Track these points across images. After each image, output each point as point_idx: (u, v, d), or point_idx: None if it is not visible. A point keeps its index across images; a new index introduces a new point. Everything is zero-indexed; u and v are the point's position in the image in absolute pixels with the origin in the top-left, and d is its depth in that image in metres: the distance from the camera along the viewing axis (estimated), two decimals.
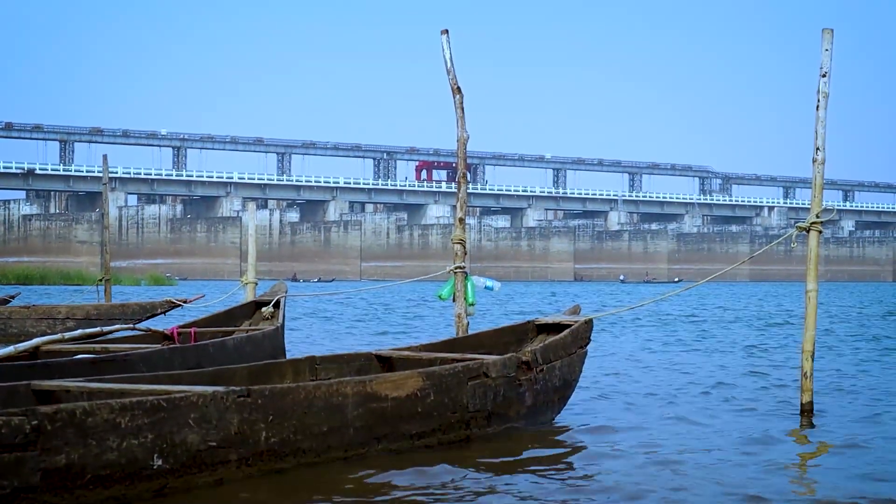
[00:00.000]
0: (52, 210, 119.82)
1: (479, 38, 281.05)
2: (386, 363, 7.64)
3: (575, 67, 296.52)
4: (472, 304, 10.29)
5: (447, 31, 10.27)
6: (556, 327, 8.22)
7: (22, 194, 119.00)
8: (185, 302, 13.92)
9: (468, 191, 10.51)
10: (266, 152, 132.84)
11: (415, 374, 6.33)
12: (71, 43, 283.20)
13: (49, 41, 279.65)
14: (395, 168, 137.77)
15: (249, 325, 11.43)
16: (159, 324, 12.78)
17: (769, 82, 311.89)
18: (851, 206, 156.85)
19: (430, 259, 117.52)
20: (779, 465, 6.35)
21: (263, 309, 11.52)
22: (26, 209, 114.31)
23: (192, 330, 10.07)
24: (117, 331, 10.01)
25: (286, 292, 11.93)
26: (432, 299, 33.88)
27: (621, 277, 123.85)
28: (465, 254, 10.28)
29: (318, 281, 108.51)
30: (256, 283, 13.92)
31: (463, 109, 10.34)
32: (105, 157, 20.26)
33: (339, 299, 37.39)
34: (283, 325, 10.92)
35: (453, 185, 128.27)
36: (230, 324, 11.39)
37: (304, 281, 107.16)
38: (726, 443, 7.09)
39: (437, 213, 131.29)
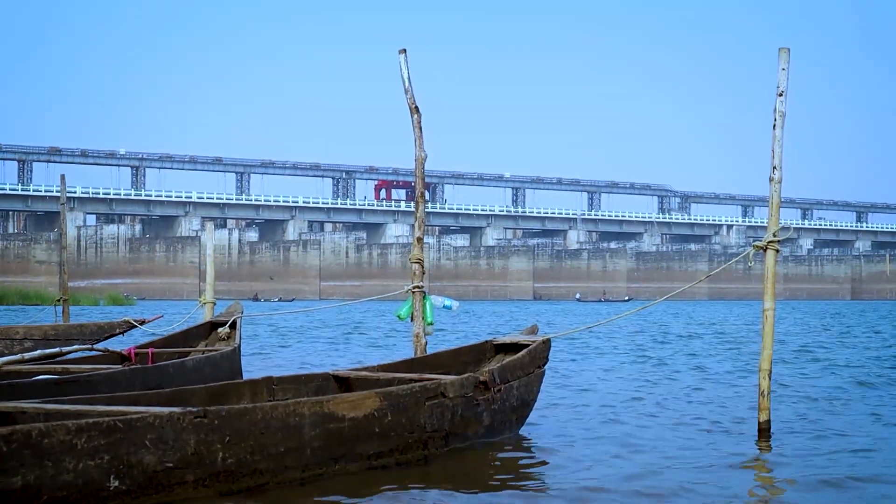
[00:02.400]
0: (10, 230, 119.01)
1: (438, 56, 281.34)
2: (344, 384, 7.65)
3: (533, 86, 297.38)
4: (431, 324, 10.31)
5: (405, 51, 10.29)
6: (514, 347, 8.25)
7: None
8: (142, 322, 13.85)
9: (427, 210, 10.54)
10: (225, 171, 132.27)
11: (372, 394, 6.34)
12: (28, 62, 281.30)
13: (5, 60, 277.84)
14: (355, 187, 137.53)
15: (206, 346, 11.42)
16: (117, 344, 12.72)
17: (727, 101, 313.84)
18: (810, 224, 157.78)
19: (390, 278, 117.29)
20: (736, 484, 6.39)
21: (220, 329, 11.51)
22: None
23: (150, 350, 10.08)
24: (76, 351, 9.96)
25: (242, 312, 11.92)
26: (391, 318, 33.87)
27: (577, 296, 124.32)
28: (424, 273, 10.29)
29: (278, 300, 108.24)
30: (215, 303, 13.89)
31: (421, 129, 10.36)
32: (63, 176, 20.11)
33: (295, 317, 37.23)
34: (239, 346, 10.92)
35: (413, 204, 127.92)
36: (187, 344, 11.40)
37: (265, 300, 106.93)
38: (683, 460, 7.12)
39: (396, 232, 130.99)
